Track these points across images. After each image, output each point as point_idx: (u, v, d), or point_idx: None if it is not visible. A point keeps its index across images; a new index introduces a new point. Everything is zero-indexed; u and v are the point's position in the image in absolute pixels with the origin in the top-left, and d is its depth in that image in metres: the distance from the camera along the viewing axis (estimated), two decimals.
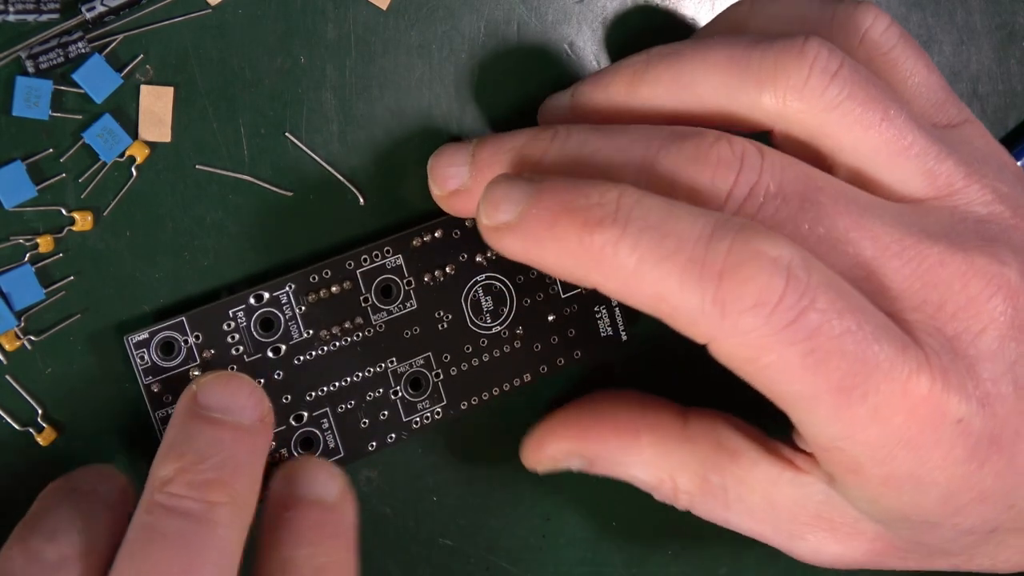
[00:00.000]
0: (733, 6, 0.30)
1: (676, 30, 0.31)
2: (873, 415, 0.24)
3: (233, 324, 0.28)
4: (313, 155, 0.29)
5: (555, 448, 0.30)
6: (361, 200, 0.29)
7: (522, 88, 0.30)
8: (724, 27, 0.29)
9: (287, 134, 0.28)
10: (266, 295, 0.28)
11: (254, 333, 0.28)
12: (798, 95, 0.25)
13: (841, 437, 0.25)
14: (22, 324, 0.27)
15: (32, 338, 0.27)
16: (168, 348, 0.27)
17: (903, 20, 0.34)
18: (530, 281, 0.31)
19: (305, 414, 0.29)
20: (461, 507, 0.32)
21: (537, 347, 0.31)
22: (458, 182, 0.27)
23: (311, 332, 0.29)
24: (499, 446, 0.32)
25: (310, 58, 0.28)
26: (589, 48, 0.31)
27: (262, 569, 0.26)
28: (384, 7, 0.29)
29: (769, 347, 0.23)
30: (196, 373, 0.28)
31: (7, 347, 0.27)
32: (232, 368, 0.28)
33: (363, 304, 0.29)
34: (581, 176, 0.25)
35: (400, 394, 0.30)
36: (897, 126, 0.25)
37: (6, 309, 0.27)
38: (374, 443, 0.30)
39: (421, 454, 0.31)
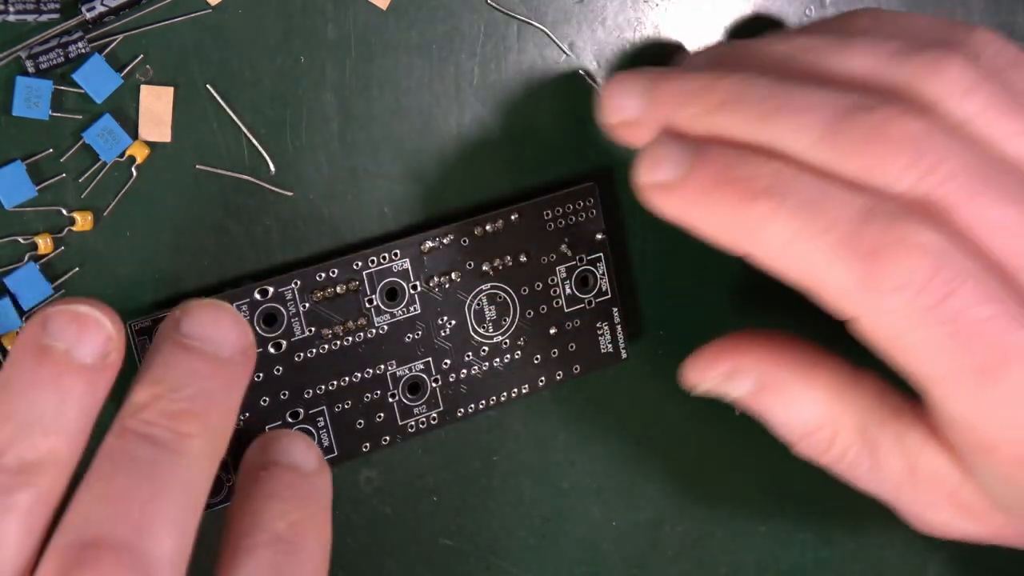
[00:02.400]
0: (853, 15, 0.30)
1: (676, 30, 0.31)
2: (1008, 396, 0.25)
3: None
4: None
5: (735, 362, 0.29)
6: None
7: (522, 88, 0.30)
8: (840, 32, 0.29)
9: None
10: (271, 290, 0.28)
11: (256, 327, 0.28)
12: (938, 106, 0.25)
13: (979, 417, 0.25)
14: (23, 324, 0.27)
15: None
16: None
17: None
18: (535, 293, 0.31)
19: (301, 411, 0.29)
20: (461, 507, 0.32)
21: (537, 360, 0.31)
22: (631, 113, 0.27)
23: (313, 330, 0.29)
24: (499, 446, 0.32)
25: (310, 58, 0.28)
26: (589, 48, 0.31)
27: (232, 522, 0.25)
28: (384, 7, 0.29)
29: (913, 326, 0.24)
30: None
31: (9, 347, 0.27)
32: None
33: (367, 305, 0.29)
34: (759, 129, 0.26)
35: (397, 397, 0.30)
36: None
37: (11, 309, 0.27)
38: (368, 444, 0.30)
39: (421, 454, 0.31)
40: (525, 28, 0.30)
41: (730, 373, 0.30)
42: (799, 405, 0.29)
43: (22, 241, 0.27)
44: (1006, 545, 0.29)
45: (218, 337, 0.25)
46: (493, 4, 0.29)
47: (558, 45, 0.30)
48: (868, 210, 0.24)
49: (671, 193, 0.26)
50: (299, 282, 0.28)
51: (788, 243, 0.25)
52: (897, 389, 0.29)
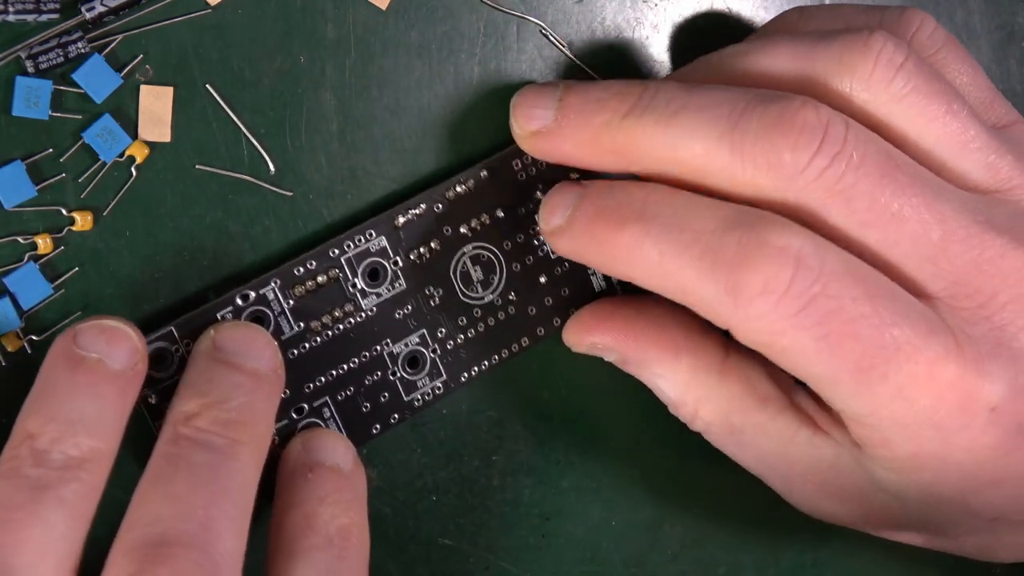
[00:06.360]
0: (782, 15, 0.30)
1: (675, 30, 0.32)
2: (896, 394, 0.25)
3: None
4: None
5: (598, 339, 0.30)
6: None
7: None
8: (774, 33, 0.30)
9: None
10: (252, 294, 0.28)
11: None
12: (864, 86, 0.26)
13: (867, 413, 0.25)
14: (23, 324, 0.27)
15: (33, 338, 0.27)
16: (161, 359, 0.27)
17: None
18: (518, 245, 0.30)
19: (305, 406, 0.29)
20: (461, 507, 0.32)
21: (532, 311, 0.31)
22: (541, 123, 0.28)
23: (302, 325, 0.29)
24: (499, 446, 0.32)
25: (310, 58, 0.28)
26: (589, 48, 0.31)
27: (285, 524, 0.27)
28: (384, 7, 0.29)
29: (782, 331, 0.24)
30: None
31: (9, 348, 0.27)
32: None
33: (351, 290, 0.29)
34: (664, 131, 0.26)
35: (399, 374, 0.30)
36: (960, 119, 0.26)
37: (11, 309, 0.27)
38: (377, 426, 0.30)
39: (421, 453, 0.31)
40: (524, 28, 0.30)
41: (594, 346, 0.30)
42: (659, 382, 0.30)
43: (22, 241, 0.27)
44: (874, 533, 0.29)
45: (255, 354, 0.26)
46: (492, 4, 0.30)
47: (557, 45, 0.30)
48: (730, 218, 0.25)
49: (564, 235, 0.27)
50: (278, 280, 0.28)
51: (658, 263, 0.25)
52: (770, 376, 0.29)
